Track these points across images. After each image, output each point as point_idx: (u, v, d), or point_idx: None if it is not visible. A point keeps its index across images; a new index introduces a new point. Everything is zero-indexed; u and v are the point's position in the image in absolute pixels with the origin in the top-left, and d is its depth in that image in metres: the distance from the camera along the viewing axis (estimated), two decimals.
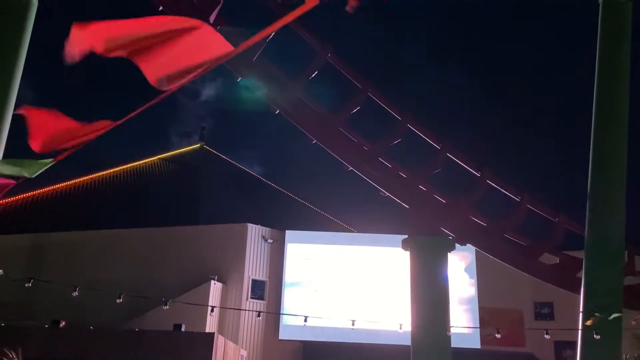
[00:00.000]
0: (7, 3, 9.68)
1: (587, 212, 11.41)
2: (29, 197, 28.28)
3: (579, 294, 11.36)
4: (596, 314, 10.29)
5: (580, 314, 10.89)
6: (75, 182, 30.07)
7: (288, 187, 34.60)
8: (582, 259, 11.63)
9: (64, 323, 17.03)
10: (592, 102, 11.74)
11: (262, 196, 32.83)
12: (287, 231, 22.14)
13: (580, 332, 10.83)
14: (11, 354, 9.50)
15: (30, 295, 16.36)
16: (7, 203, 27.29)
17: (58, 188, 29.38)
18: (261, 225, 21.94)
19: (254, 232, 21.54)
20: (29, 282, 10.78)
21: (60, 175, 29.97)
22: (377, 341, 19.62)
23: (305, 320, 12.64)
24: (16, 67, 9.35)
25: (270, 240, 21.69)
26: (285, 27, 13.10)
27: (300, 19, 13.17)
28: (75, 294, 11.14)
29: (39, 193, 28.76)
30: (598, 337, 10.13)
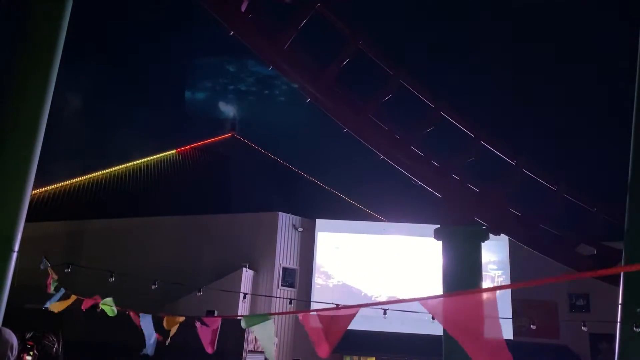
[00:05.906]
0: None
1: (627, 201, 11.05)
2: (67, 185, 29.10)
3: (617, 285, 11.04)
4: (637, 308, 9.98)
5: (619, 307, 10.59)
6: (112, 171, 30.78)
7: (318, 176, 34.62)
8: (620, 250, 11.28)
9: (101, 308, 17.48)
10: (635, 90, 11.34)
11: (292, 185, 32.97)
12: (317, 220, 22.17)
13: (618, 324, 10.55)
14: (52, 337, 9.80)
15: (68, 280, 16.83)
16: (46, 191, 28.14)
17: (95, 177, 30.14)
18: (292, 214, 22.02)
19: (285, 221, 21.64)
20: (68, 267, 11.07)
21: (97, 164, 30.71)
22: (408, 330, 19.56)
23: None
24: (53, 62, 9.47)
25: (300, 229, 21.77)
26: (317, 15, 13.03)
27: (331, 5, 13.07)
28: (112, 279, 11.40)
29: (77, 181, 29.55)
30: (638, 329, 9.83)
